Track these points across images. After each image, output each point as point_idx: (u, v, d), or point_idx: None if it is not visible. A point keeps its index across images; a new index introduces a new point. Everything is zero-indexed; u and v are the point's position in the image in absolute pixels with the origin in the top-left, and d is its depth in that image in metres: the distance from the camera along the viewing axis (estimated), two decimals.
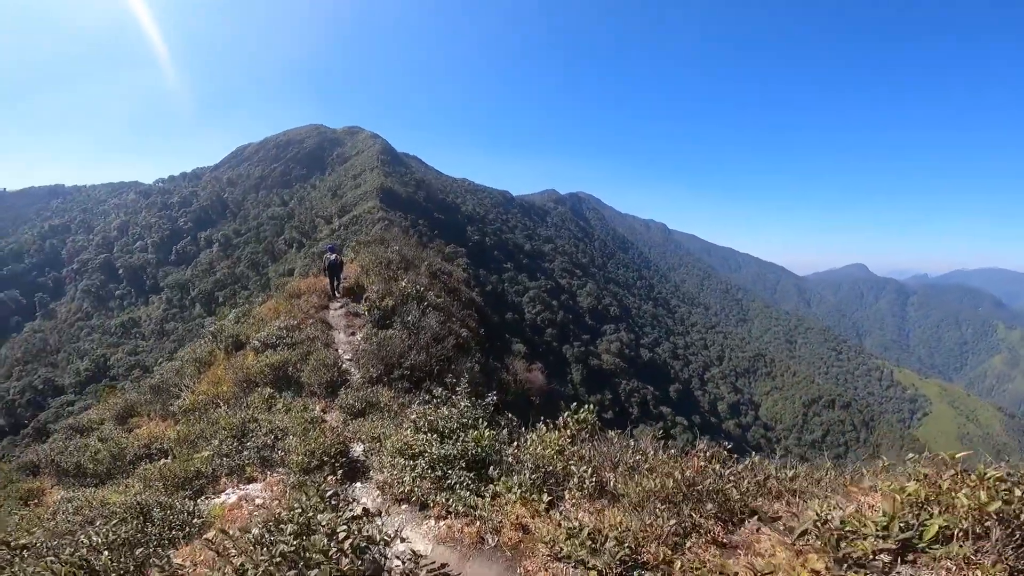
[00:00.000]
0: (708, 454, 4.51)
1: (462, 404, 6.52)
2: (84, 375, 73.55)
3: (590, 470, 4.50)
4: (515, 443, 5.93)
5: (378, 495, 5.90)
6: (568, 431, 5.56)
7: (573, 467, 4.72)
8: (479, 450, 5.46)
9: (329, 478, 4.85)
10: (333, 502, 3.84)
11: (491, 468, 5.25)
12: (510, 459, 5.39)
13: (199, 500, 7.22)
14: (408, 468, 5.57)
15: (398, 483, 5.56)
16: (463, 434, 5.75)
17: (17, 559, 4.58)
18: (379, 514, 4.06)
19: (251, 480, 7.77)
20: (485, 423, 6.02)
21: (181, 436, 10.02)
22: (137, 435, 11.52)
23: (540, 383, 28.46)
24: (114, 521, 5.43)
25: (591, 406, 5.81)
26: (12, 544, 4.71)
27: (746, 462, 4.44)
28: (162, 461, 9.21)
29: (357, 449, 7.69)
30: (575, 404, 5.96)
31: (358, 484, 6.62)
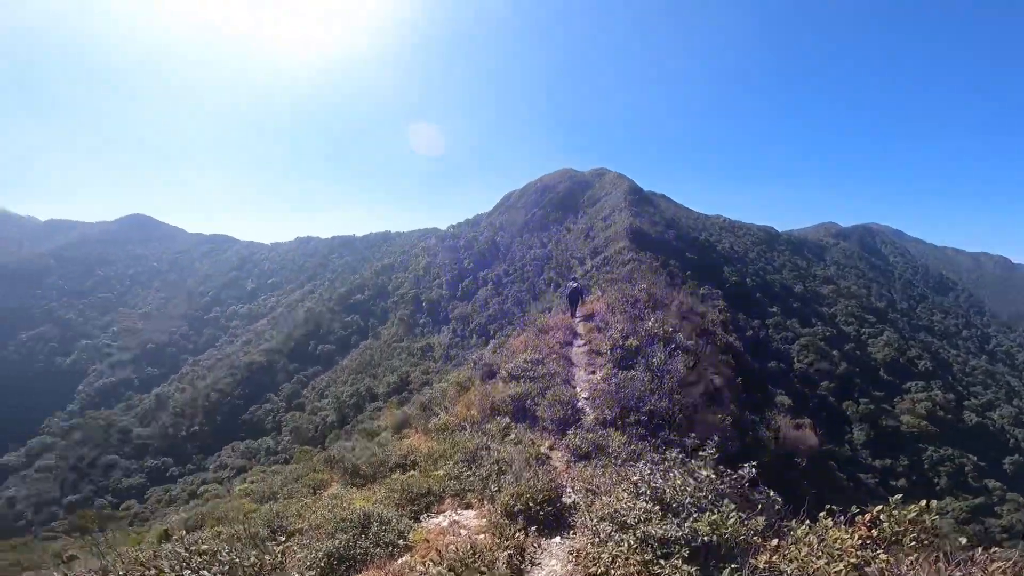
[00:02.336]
0: None
1: (703, 473, 4.97)
2: (391, 387, 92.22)
3: None
4: (775, 538, 4.06)
5: (570, 562, 4.90)
6: (875, 532, 3.47)
7: None
8: (715, 539, 3.94)
9: (518, 534, 4.08)
10: None
11: (726, 569, 3.68)
12: (762, 564, 3.69)
13: (421, 517, 7.41)
14: (612, 540, 4.40)
15: (594, 557, 4.45)
16: (696, 514, 4.31)
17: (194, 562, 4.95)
18: None
19: (469, 506, 7.67)
20: (732, 505, 4.36)
21: (430, 452, 10.81)
22: (400, 446, 13.01)
23: (811, 443, 23.13)
24: (331, 528, 5.73)
25: (929, 502, 3.55)
26: (192, 550, 5.23)
27: None
28: (409, 473, 9.99)
29: (572, 496, 6.84)
30: (898, 495, 3.75)
31: (556, 539, 5.68)
